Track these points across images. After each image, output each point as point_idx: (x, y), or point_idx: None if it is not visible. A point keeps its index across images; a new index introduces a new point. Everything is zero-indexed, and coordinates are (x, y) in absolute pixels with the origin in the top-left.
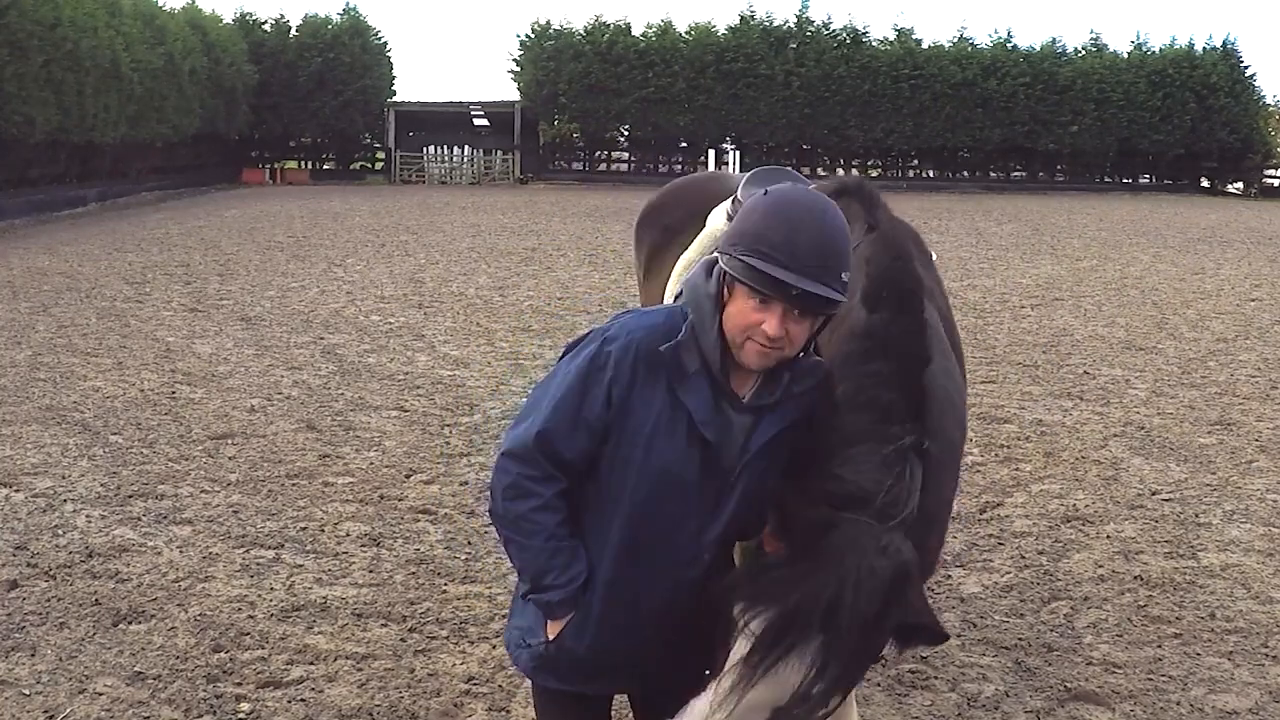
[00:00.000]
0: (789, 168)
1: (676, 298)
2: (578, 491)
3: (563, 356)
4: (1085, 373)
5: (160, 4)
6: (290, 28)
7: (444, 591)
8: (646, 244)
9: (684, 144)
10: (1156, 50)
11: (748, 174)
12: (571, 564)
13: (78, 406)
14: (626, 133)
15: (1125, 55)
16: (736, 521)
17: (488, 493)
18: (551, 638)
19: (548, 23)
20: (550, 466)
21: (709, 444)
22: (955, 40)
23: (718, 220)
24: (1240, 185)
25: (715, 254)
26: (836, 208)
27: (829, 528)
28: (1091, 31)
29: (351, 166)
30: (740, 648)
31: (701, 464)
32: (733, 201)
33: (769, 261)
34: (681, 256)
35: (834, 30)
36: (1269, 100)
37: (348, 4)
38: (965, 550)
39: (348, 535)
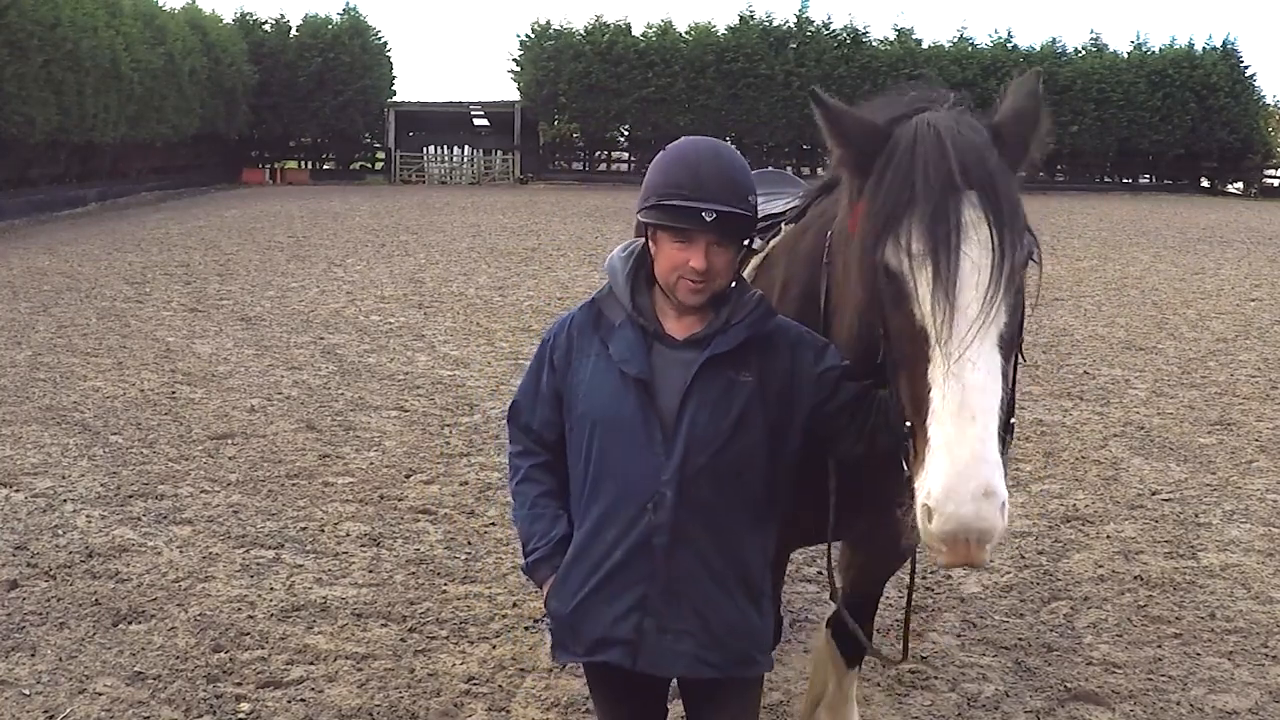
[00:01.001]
0: (787, 169)
1: None
2: (567, 472)
3: None
4: (1085, 373)
5: (160, 4)
6: (290, 28)
7: (444, 591)
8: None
9: None
10: (1156, 50)
11: None
12: (551, 528)
13: (78, 406)
14: (626, 133)
15: (1125, 55)
16: (695, 460)
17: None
18: (544, 603)
19: (548, 23)
20: (526, 440)
21: (643, 383)
22: (955, 40)
23: None
24: (1240, 185)
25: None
26: (731, 147)
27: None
28: (1092, 32)
29: (351, 166)
30: (922, 286)
31: (638, 402)
32: None
33: (680, 198)
34: None
35: (834, 30)
36: (1269, 100)
37: (348, 4)
38: None
39: (348, 535)
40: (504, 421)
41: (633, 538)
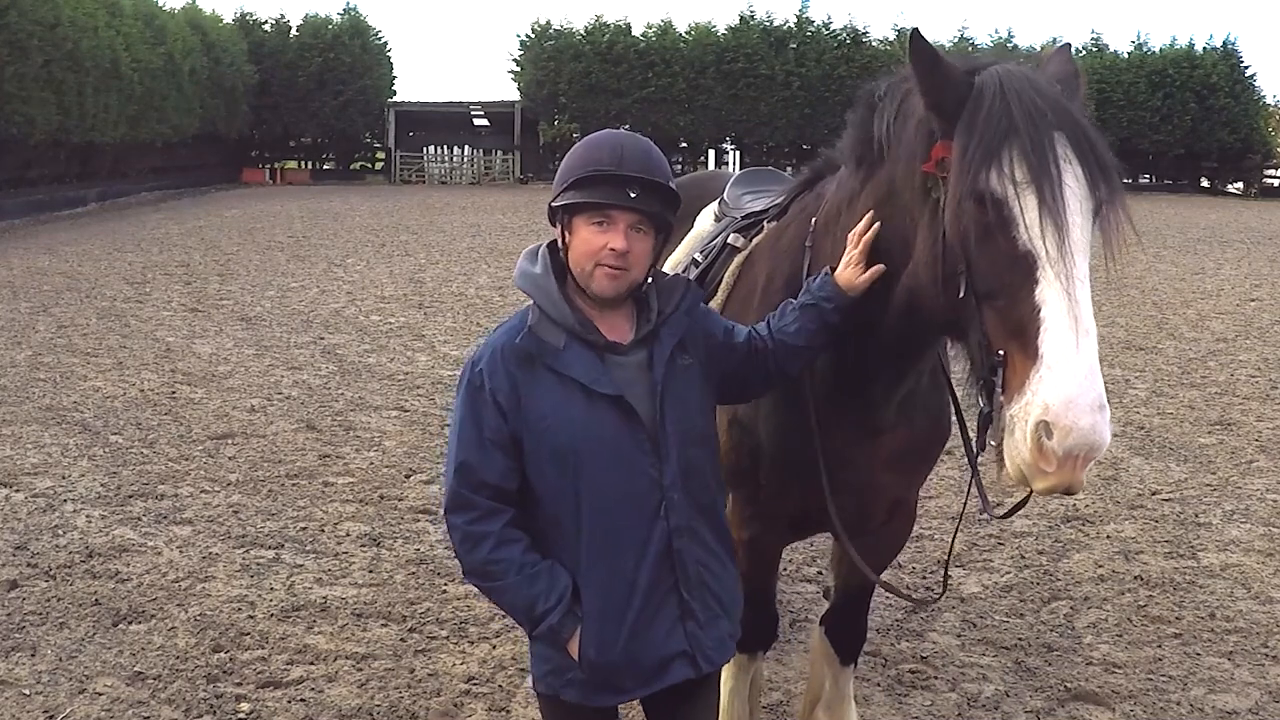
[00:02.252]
0: (786, 170)
1: None
2: (529, 520)
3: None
4: None
5: (160, 4)
6: (290, 28)
7: (444, 591)
8: None
9: (684, 144)
10: (1156, 50)
11: (735, 175)
12: (554, 582)
13: (78, 406)
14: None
15: (1125, 55)
16: (684, 455)
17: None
18: (579, 660)
19: (548, 23)
20: (485, 500)
21: (613, 398)
22: (955, 40)
23: (705, 221)
24: (1240, 185)
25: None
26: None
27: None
28: (1092, 32)
29: (351, 166)
30: (1030, 210)
31: (618, 418)
32: (719, 203)
33: (602, 171)
34: (670, 258)
35: (834, 30)
36: (1269, 100)
37: (348, 4)
38: (965, 550)
39: (348, 535)
40: None
41: (653, 552)
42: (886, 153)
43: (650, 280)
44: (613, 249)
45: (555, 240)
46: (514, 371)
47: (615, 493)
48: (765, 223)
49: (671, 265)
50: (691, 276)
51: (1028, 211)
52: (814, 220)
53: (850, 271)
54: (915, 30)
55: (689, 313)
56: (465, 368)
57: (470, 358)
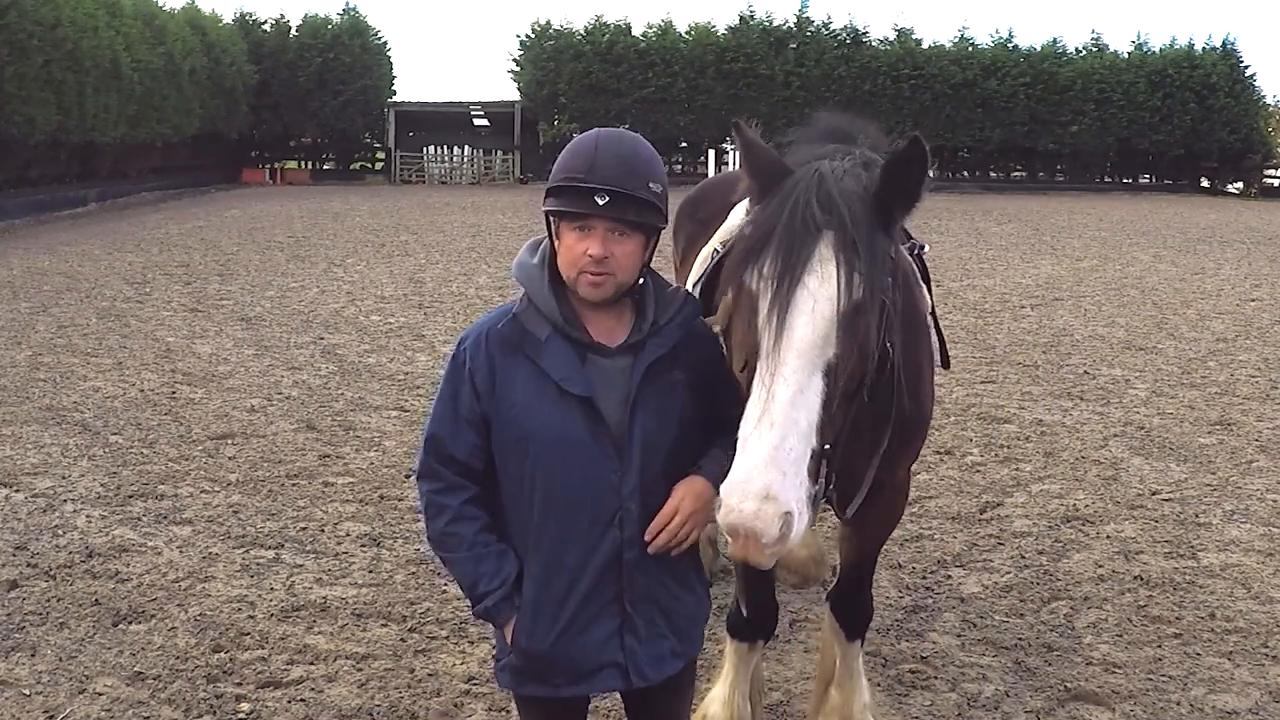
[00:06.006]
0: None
1: (696, 285)
2: (493, 502)
3: None
4: (1085, 373)
5: (160, 4)
6: (290, 28)
7: (444, 591)
8: (683, 235)
9: (684, 144)
10: (1157, 50)
11: None
12: (500, 567)
13: (78, 406)
14: None
15: (1125, 55)
16: (651, 468)
17: None
18: (510, 644)
19: (548, 23)
20: (450, 474)
21: (582, 399)
22: (955, 40)
23: (737, 214)
24: (1240, 185)
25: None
26: (640, 137)
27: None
28: (1092, 32)
29: (351, 166)
30: (763, 304)
31: (585, 420)
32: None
33: (572, 181)
34: (705, 247)
35: (834, 30)
36: (1269, 100)
37: (348, 4)
38: (965, 550)
39: (348, 535)
40: None
41: (600, 558)
42: None
43: (651, 287)
44: (590, 255)
45: None
46: (494, 355)
47: (570, 493)
48: None
49: (707, 252)
50: (712, 264)
51: (762, 305)
52: None
53: None
54: (736, 122)
55: (684, 326)
56: (455, 344)
57: (461, 335)
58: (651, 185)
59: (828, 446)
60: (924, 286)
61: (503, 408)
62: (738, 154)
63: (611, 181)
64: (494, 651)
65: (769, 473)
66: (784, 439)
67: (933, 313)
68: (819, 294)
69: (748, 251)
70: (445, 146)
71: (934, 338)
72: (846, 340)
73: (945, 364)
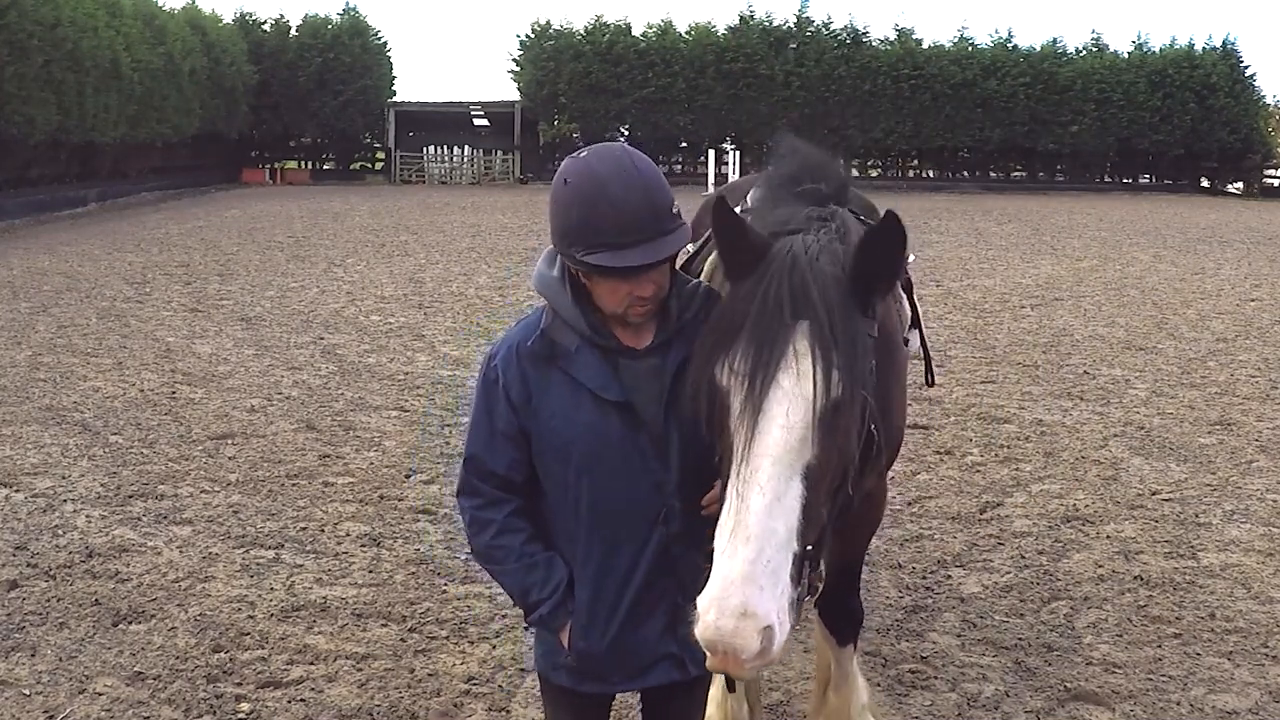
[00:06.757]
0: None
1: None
2: (536, 514)
3: None
4: (1085, 373)
5: (160, 4)
6: (290, 28)
7: (444, 591)
8: (704, 229)
9: (684, 144)
10: (1157, 50)
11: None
12: (551, 574)
13: (78, 406)
14: (626, 133)
15: (1125, 55)
16: (693, 463)
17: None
18: (568, 648)
19: (548, 23)
20: (492, 489)
21: (620, 404)
22: (955, 40)
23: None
24: (1240, 185)
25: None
26: (631, 150)
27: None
28: (1092, 32)
29: (351, 166)
30: (735, 405)
31: (623, 423)
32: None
33: (613, 250)
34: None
35: (834, 30)
36: (1269, 100)
37: (348, 4)
38: (965, 550)
39: (348, 535)
40: None
41: (649, 556)
42: None
43: (672, 285)
44: (641, 297)
45: None
46: (527, 369)
47: (617, 496)
48: None
49: (711, 263)
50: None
51: (733, 405)
52: None
53: None
54: (720, 199)
55: (700, 317)
56: (483, 361)
57: (489, 351)
58: (675, 211)
59: (809, 547)
60: (904, 299)
61: (541, 418)
62: (736, 156)
63: (646, 231)
64: (539, 662)
65: (746, 589)
66: (760, 552)
67: (917, 323)
68: (794, 394)
69: (717, 344)
70: (445, 146)
71: (916, 348)
72: (826, 442)
73: (930, 381)
